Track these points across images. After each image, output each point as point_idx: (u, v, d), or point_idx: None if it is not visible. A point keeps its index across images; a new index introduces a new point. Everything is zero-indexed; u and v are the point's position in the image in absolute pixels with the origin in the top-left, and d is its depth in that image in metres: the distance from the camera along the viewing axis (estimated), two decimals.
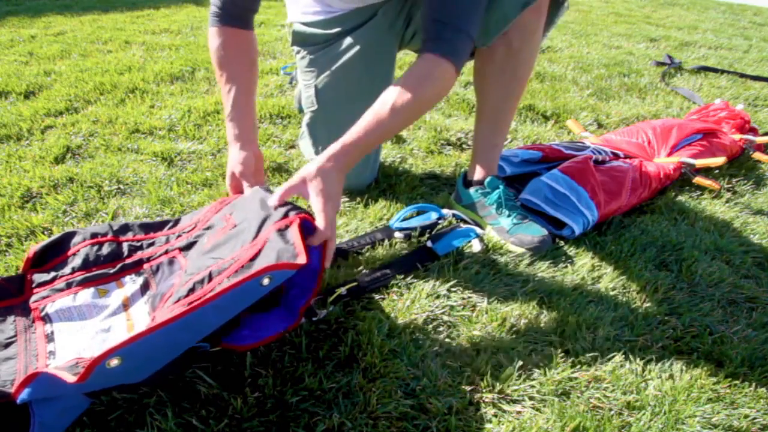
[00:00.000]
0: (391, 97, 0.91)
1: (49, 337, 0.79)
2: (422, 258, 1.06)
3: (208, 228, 0.95)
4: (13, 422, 0.64)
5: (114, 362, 0.61)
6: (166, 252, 0.92)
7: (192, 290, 0.75)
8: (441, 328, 0.91)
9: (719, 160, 1.47)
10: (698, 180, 1.44)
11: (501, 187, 1.19)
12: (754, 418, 0.79)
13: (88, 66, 2.16)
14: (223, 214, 0.94)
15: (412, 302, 0.95)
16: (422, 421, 0.74)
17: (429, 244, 1.09)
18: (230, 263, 0.76)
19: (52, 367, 0.72)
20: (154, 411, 0.72)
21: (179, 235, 0.96)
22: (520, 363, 0.85)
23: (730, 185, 1.49)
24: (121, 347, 0.61)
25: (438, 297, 0.98)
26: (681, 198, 1.40)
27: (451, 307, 0.96)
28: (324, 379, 0.79)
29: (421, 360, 0.84)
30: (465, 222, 1.21)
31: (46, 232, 1.11)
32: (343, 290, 0.94)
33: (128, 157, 1.44)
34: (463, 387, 0.80)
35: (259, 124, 1.69)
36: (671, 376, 0.85)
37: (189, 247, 0.92)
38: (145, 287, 0.88)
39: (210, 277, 0.75)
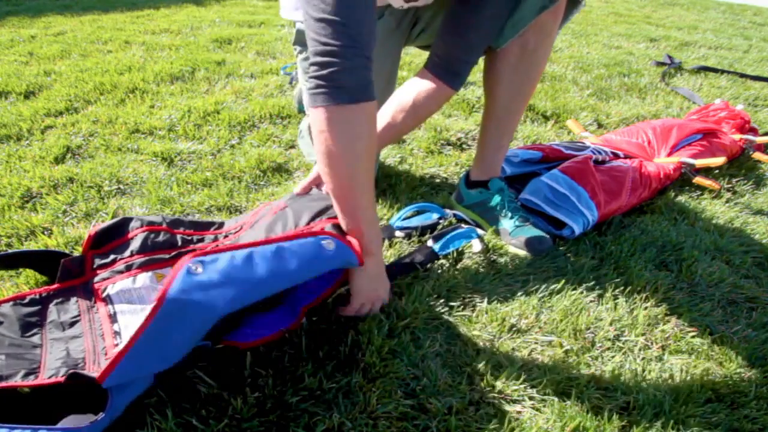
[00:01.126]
0: (403, 107, 1.04)
1: (113, 318, 0.83)
2: (426, 259, 1.06)
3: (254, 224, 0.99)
4: (87, 398, 0.68)
5: (199, 268, 0.63)
6: (217, 247, 0.95)
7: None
8: (441, 328, 0.91)
9: (719, 160, 1.47)
10: (698, 180, 1.44)
11: (504, 189, 1.19)
12: (754, 418, 0.79)
13: (88, 66, 2.16)
14: (269, 209, 0.99)
15: (412, 302, 0.95)
16: (422, 421, 0.74)
17: (430, 243, 1.09)
18: (284, 233, 0.80)
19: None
20: (154, 411, 0.72)
21: (226, 236, 1.01)
22: (520, 363, 0.85)
23: (730, 185, 1.49)
24: (204, 255, 0.64)
25: (438, 297, 0.98)
26: (681, 198, 1.40)
27: (451, 307, 0.96)
28: (324, 379, 0.79)
29: (421, 360, 0.84)
30: (466, 222, 1.21)
31: (46, 232, 1.11)
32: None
33: (128, 157, 1.44)
34: (463, 387, 0.80)
35: (259, 124, 1.69)
36: (671, 376, 0.85)
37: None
38: None
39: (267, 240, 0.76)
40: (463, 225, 1.19)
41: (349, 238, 0.82)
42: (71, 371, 0.68)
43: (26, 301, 0.84)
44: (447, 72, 1.05)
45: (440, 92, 1.06)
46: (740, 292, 1.06)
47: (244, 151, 1.50)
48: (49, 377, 0.70)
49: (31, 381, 0.69)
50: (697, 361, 0.89)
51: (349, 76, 0.75)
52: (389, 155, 1.51)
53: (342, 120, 0.77)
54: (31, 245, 1.06)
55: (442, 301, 0.97)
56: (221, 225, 1.04)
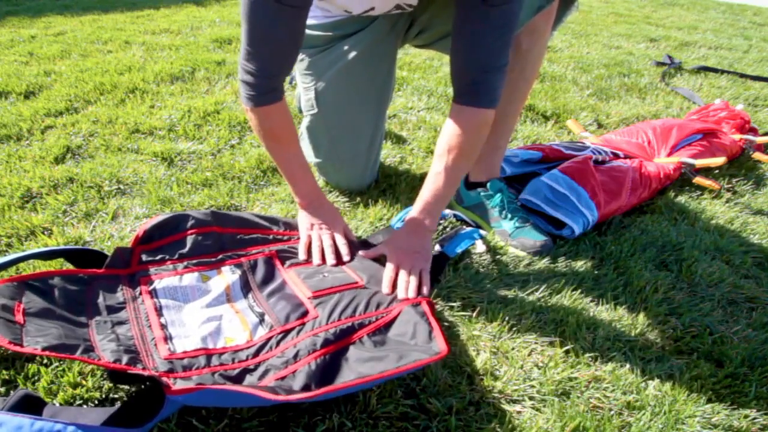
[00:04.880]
0: (457, 154, 1.01)
1: (159, 311, 0.85)
2: (439, 264, 1.06)
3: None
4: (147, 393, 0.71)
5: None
6: (262, 251, 1.00)
7: (339, 336, 0.81)
8: None
9: (719, 160, 1.47)
10: (698, 180, 1.44)
11: (504, 190, 1.19)
12: (754, 418, 0.79)
13: (88, 66, 2.16)
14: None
15: None
16: (422, 421, 0.74)
17: (437, 248, 1.09)
18: (369, 320, 0.84)
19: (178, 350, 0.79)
20: None
21: (274, 239, 1.04)
22: (520, 363, 0.85)
23: (730, 185, 1.49)
24: (320, 394, 0.68)
25: (438, 297, 0.98)
26: (681, 198, 1.40)
27: (451, 307, 0.96)
28: None
29: None
30: (466, 223, 1.21)
31: (46, 232, 1.11)
32: None
33: (128, 157, 1.44)
34: (463, 387, 0.80)
35: None
36: (671, 376, 0.85)
37: (285, 255, 1.00)
38: (244, 281, 0.93)
39: (354, 329, 0.82)
40: (465, 226, 1.19)
41: (436, 330, 0.80)
42: (149, 372, 0.70)
43: (74, 278, 0.85)
44: (494, 95, 0.99)
45: (486, 117, 0.99)
46: (740, 292, 1.06)
47: (244, 151, 1.50)
48: (114, 361, 0.71)
49: (95, 360, 0.70)
50: (697, 361, 0.89)
51: (258, 90, 0.98)
52: (389, 155, 1.51)
53: (257, 116, 1.01)
54: (31, 245, 1.06)
55: (442, 301, 0.97)
56: (268, 227, 1.05)
